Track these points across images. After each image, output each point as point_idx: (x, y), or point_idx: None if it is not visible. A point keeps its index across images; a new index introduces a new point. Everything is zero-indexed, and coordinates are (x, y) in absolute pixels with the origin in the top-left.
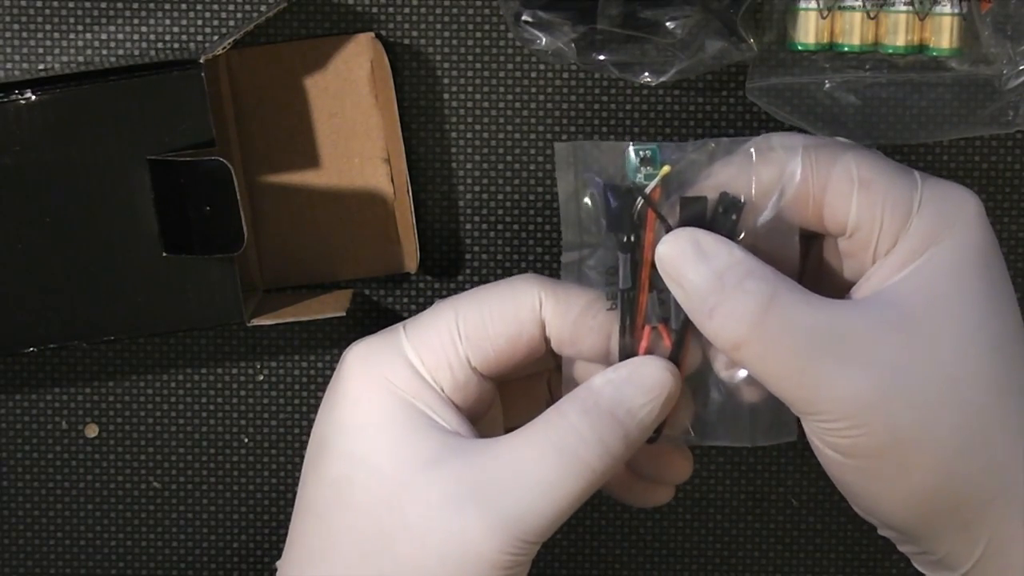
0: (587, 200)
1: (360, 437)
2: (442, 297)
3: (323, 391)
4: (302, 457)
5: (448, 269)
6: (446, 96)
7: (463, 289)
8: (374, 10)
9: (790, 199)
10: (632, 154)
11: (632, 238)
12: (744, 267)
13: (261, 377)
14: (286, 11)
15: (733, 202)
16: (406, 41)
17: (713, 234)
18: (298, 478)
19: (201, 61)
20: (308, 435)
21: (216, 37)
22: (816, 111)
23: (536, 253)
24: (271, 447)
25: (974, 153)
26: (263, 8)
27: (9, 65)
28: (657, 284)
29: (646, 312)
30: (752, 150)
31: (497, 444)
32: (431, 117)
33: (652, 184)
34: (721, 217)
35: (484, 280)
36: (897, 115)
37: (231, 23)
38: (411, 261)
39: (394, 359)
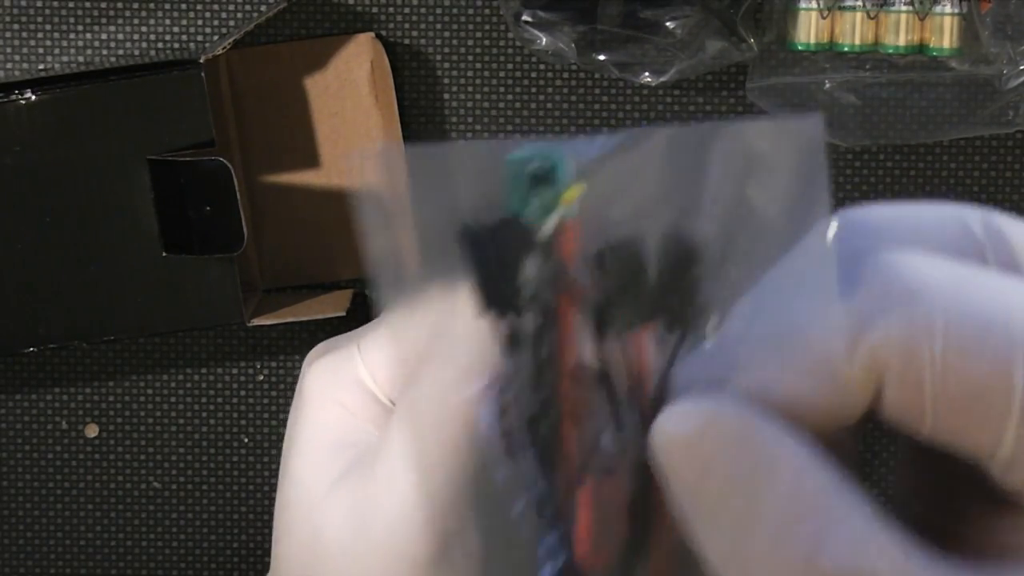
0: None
1: (299, 457)
2: None
3: None
4: None
5: None
6: (446, 96)
7: None
8: (374, 10)
9: (891, 404)
10: (516, 168)
11: (534, 320)
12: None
13: (261, 377)
14: (286, 11)
15: (687, 249)
16: (406, 41)
17: (777, 425)
18: None
19: (201, 61)
20: None
21: (216, 37)
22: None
23: None
24: (271, 447)
25: (974, 153)
26: (263, 8)
27: (9, 65)
28: (587, 404)
29: (577, 458)
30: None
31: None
32: (431, 117)
33: (552, 221)
34: (669, 275)
35: None
36: (897, 115)
37: (231, 23)
38: None
39: (348, 378)
